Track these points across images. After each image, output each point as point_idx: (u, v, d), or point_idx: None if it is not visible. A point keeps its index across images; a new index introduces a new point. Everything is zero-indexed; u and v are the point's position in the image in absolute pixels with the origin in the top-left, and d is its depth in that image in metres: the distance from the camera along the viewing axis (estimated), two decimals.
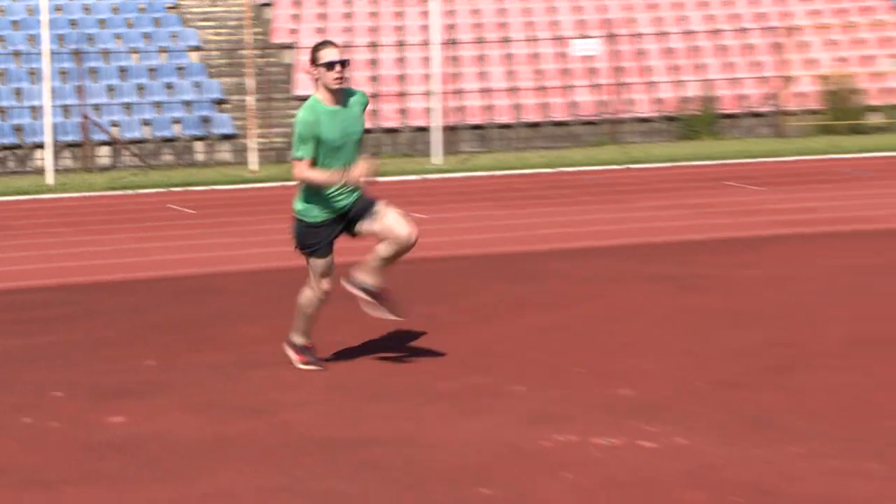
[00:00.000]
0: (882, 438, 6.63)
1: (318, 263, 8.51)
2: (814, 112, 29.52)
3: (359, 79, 30.58)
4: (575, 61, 30.87)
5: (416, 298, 11.47)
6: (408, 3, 32.98)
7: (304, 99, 30.81)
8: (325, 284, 8.58)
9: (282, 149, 28.62)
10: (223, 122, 29.03)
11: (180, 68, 30.48)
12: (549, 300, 11.15)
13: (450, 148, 27.40)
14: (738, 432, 6.85)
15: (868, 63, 30.72)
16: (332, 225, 8.44)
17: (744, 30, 32.23)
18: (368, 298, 8.55)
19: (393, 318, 8.68)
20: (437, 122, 27.22)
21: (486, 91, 30.57)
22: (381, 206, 8.39)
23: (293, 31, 32.05)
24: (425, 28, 29.19)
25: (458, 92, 29.85)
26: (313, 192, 8.36)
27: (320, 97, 8.33)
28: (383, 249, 8.39)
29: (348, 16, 33.08)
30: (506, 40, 32.01)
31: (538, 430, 6.97)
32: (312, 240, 8.46)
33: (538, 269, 12.92)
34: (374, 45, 31.73)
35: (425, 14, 29.24)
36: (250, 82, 27.23)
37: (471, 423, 7.21)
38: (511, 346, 9.22)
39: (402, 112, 29.86)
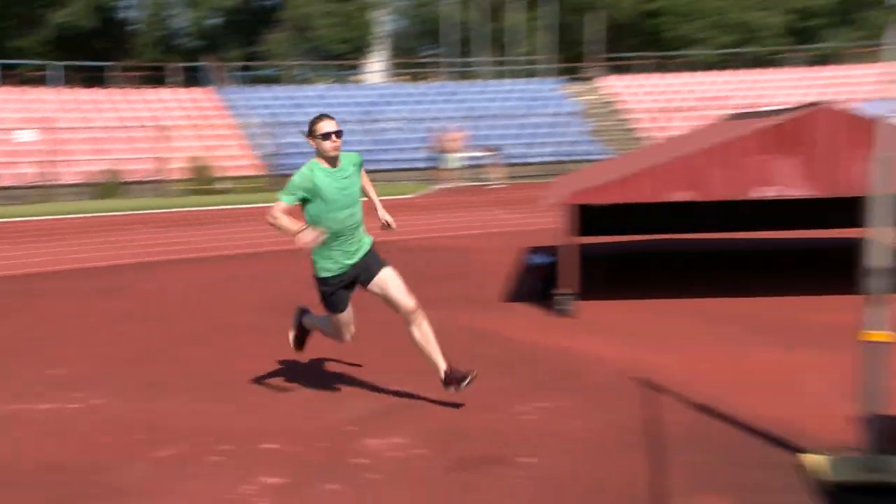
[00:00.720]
0: (234, 387, 6.84)
1: (337, 318, 6.14)
2: (186, 180, 29.44)
3: None
4: (20, 145, 28.73)
5: None
6: None
7: None
8: (348, 335, 6.25)
9: None
10: None
11: None
12: (4, 310, 10.26)
13: None
14: (137, 393, 6.80)
15: (215, 149, 31.03)
16: (342, 279, 6.02)
17: (143, 126, 31.44)
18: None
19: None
20: None
21: None
22: (387, 272, 5.99)
23: None
24: None
25: None
26: (320, 248, 5.93)
27: (319, 162, 5.95)
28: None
29: None
30: None
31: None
32: (327, 293, 6.04)
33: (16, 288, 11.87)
34: None
35: None
36: None
37: None
38: None
39: None
